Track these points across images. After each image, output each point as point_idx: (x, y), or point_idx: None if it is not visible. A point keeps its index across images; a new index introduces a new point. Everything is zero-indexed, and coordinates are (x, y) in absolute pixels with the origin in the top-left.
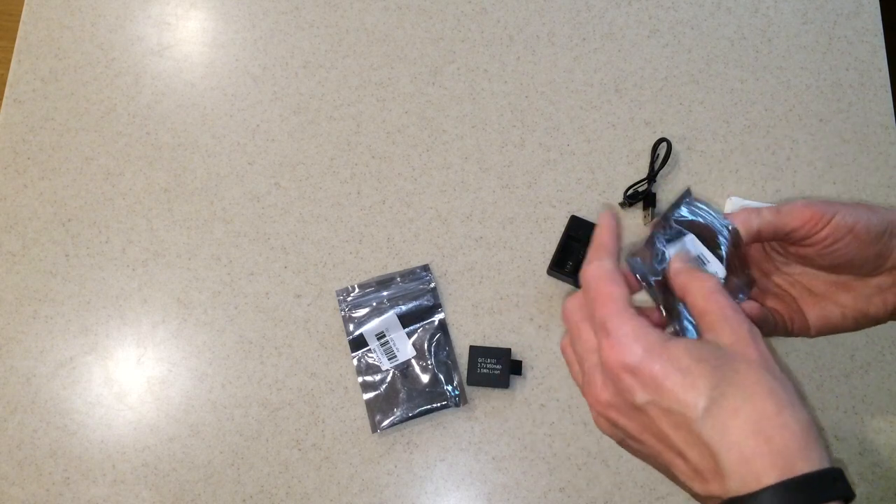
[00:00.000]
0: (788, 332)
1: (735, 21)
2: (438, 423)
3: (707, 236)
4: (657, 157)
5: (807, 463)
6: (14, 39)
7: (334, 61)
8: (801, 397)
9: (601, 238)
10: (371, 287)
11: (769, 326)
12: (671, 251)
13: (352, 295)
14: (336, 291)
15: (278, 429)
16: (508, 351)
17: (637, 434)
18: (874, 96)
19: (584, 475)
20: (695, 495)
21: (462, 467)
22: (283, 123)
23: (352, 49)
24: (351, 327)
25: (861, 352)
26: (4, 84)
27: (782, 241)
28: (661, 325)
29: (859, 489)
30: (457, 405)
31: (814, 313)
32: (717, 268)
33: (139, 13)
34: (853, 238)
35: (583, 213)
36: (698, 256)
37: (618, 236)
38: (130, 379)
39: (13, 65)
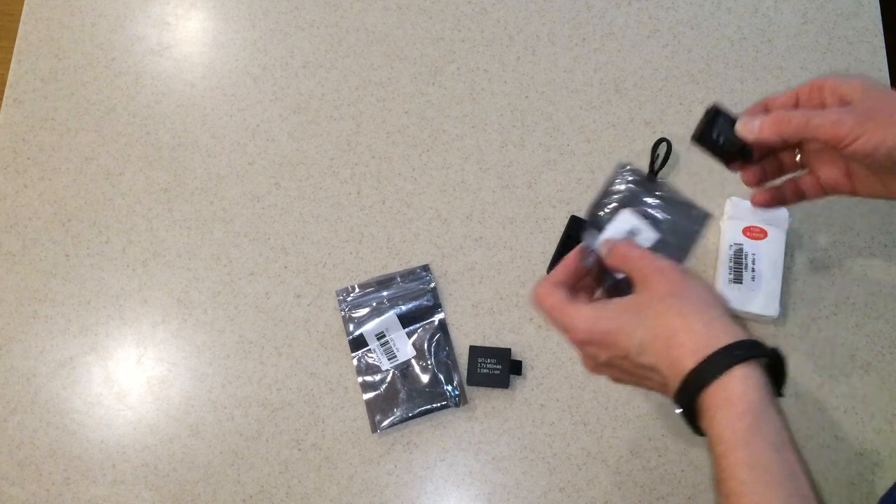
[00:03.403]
0: (838, 191)
1: (735, 21)
2: (438, 423)
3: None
4: (657, 157)
5: (713, 346)
6: (14, 39)
7: (334, 61)
8: (714, 295)
9: (557, 268)
10: (371, 287)
11: (795, 195)
12: (602, 235)
13: (352, 295)
14: (336, 291)
15: (278, 429)
16: (508, 351)
17: (618, 376)
18: None
19: (584, 475)
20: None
21: (462, 467)
22: (283, 123)
23: (352, 49)
24: (351, 327)
25: (861, 352)
26: (4, 84)
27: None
28: (592, 288)
29: (859, 489)
30: (457, 405)
31: (863, 189)
32: (649, 233)
33: (139, 13)
34: (873, 160)
35: (583, 213)
36: (631, 229)
37: (572, 267)
38: (130, 379)
39: (13, 65)
